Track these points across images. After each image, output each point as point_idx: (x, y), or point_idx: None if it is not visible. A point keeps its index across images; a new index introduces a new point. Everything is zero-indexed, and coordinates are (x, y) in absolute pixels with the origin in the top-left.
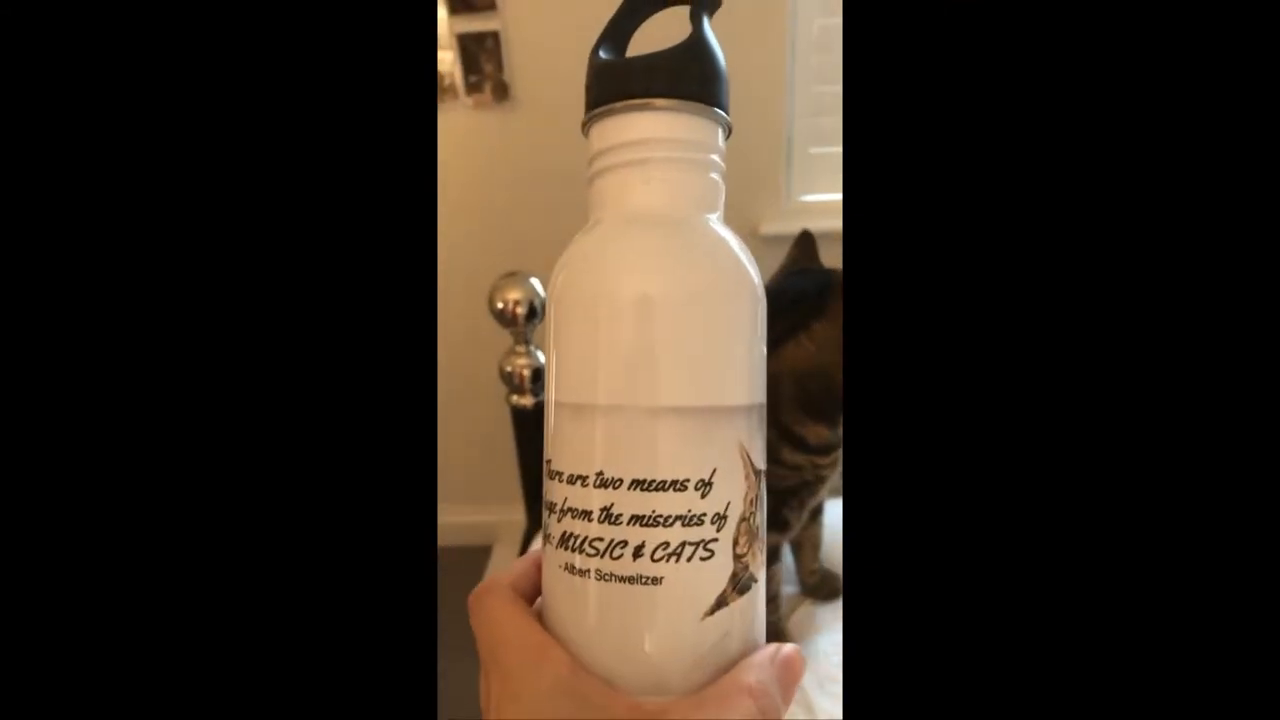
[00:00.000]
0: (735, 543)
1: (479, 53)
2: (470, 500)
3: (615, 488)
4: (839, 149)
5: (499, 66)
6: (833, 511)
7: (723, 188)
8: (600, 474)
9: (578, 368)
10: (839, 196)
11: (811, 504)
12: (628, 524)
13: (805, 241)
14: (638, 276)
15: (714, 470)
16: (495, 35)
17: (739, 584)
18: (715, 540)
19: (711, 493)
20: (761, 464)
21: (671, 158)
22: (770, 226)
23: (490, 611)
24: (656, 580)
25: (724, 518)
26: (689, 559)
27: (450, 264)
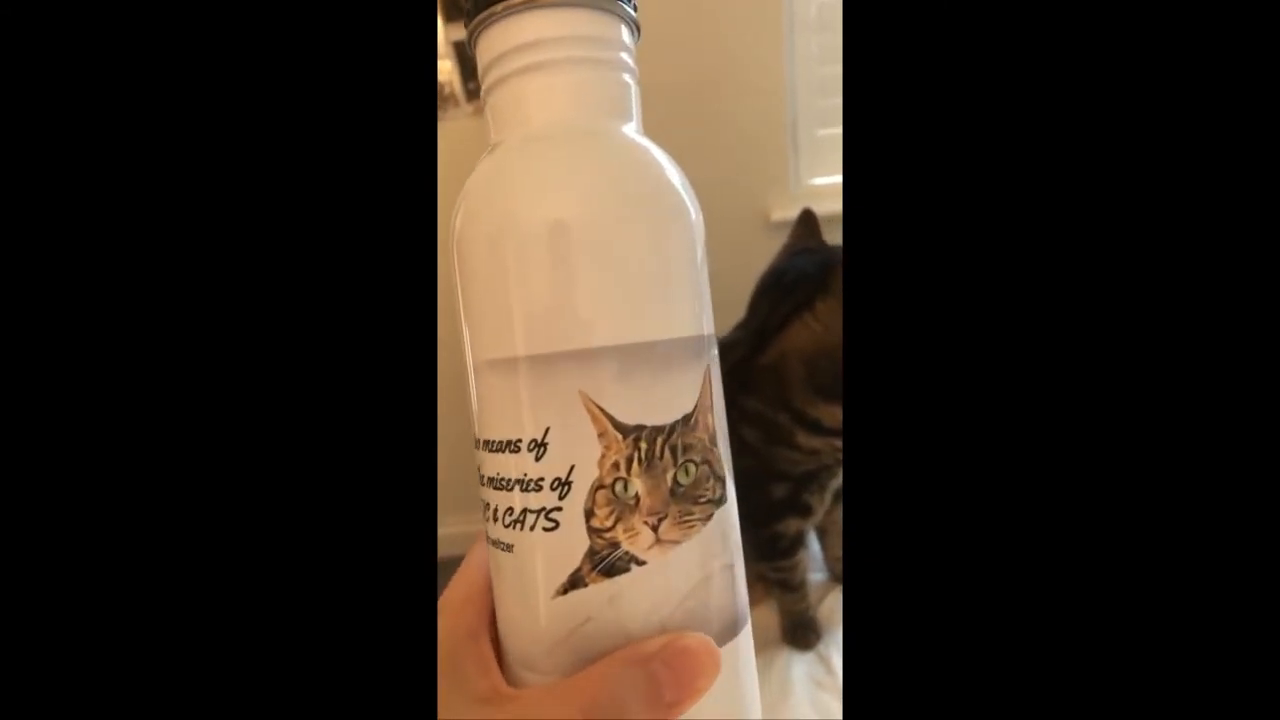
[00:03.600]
0: (589, 514)
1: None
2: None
3: (478, 448)
4: None
5: None
6: None
7: (636, 92)
8: (474, 434)
9: (485, 318)
10: None
11: (833, 487)
12: (486, 486)
13: (807, 220)
14: (547, 199)
15: (547, 429)
16: None
17: (601, 563)
18: (559, 509)
19: (546, 454)
20: (649, 419)
21: (570, 58)
22: (782, 213)
23: (465, 559)
24: (509, 547)
25: (567, 484)
26: (532, 528)
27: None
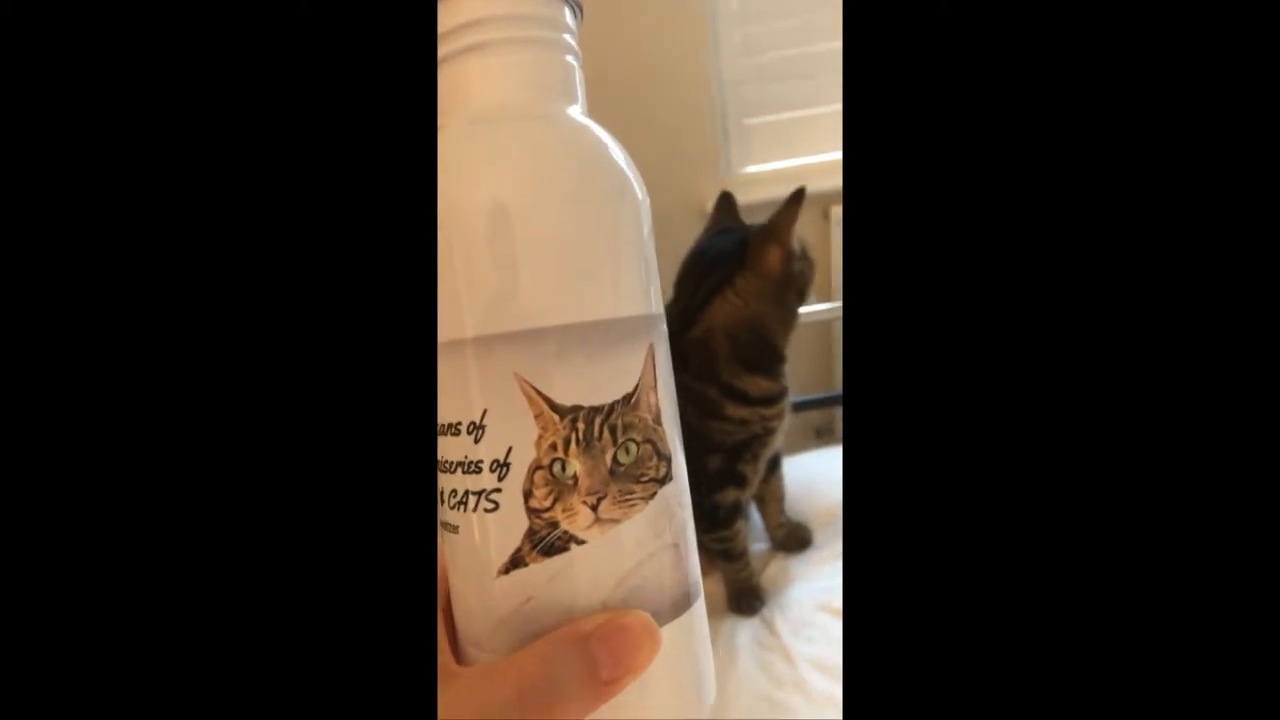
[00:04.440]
0: (528, 495)
1: None
2: None
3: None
4: (774, 118)
5: None
6: (792, 464)
7: (579, 74)
8: None
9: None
10: (779, 165)
11: (766, 455)
12: (437, 468)
13: (725, 202)
14: (491, 182)
15: (484, 411)
16: None
17: (540, 543)
18: (498, 491)
19: (485, 436)
20: (588, 398)
21: (513, 38)
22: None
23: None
24: (456, 529)
25: (505, 465)
26: (474, 509)
27: None
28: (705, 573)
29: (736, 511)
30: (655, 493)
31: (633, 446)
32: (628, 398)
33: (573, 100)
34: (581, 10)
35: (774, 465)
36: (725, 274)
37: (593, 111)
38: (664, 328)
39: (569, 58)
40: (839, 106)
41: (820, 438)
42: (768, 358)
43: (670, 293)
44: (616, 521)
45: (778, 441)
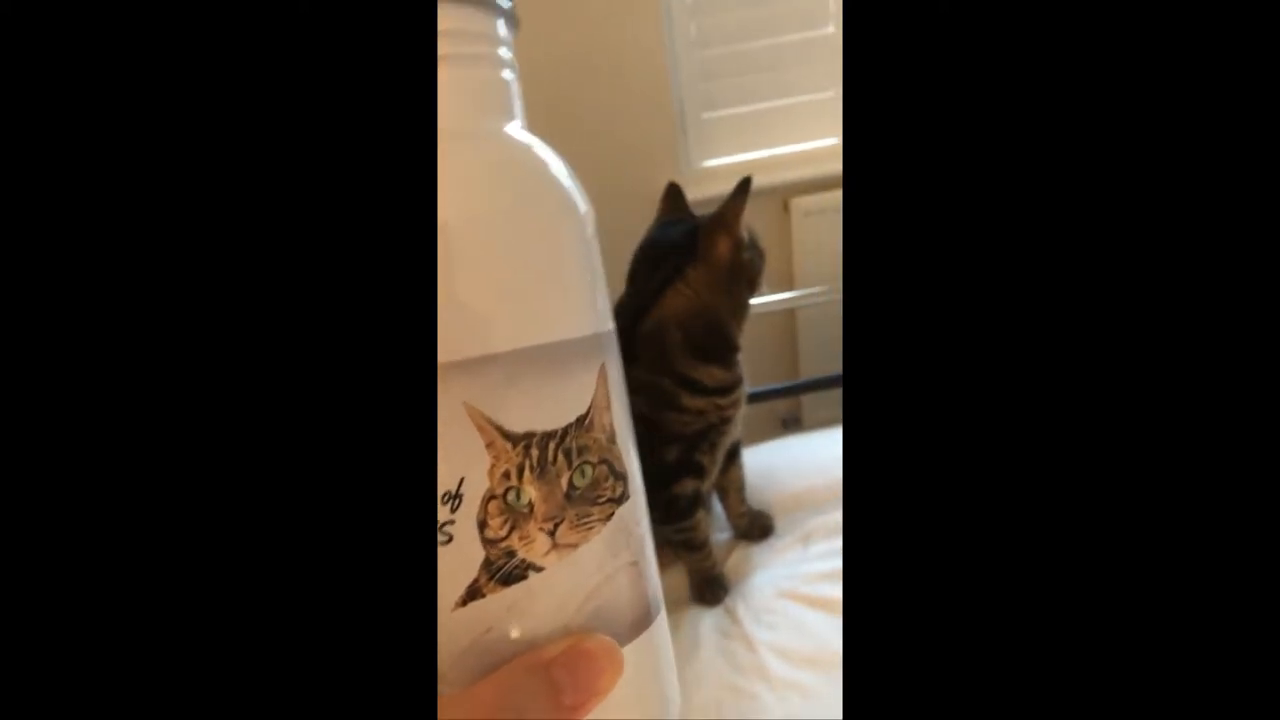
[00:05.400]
0: (483, 525)
1: None
2: None
3: None
4: (732, 111)
5: None
6: (752, 453)
7: (516, 88)
8: None
9: None
10: (739, 159)
11: (724, 445)
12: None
13: (673, 194)
14: None
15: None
16: None
17: (498, 573)
18: (451, 523)
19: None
20: (541, 423)
21: (443, 55)
22: None
23: None
24: None
25: (458, 496)
26: None
27: None
28: (668, 564)
29: (696, 502)
30: (613, 513)
31: (588, 469)
32: (581, 420)
33: (510, 116)
34: (517, 22)
35: (733, 455)
36: (676, 265)
37: (551, 110)
38: (615, 343)
39: (505, 73)
40: (798, 99)
41: (786, 428)
42: (721, 347)
43: (624, 286)
44: (574, 546)
45: (735, 431)
